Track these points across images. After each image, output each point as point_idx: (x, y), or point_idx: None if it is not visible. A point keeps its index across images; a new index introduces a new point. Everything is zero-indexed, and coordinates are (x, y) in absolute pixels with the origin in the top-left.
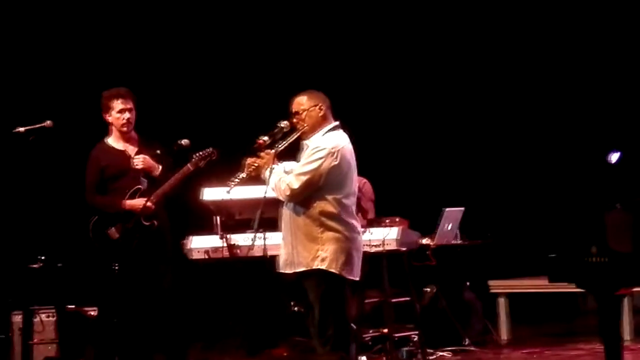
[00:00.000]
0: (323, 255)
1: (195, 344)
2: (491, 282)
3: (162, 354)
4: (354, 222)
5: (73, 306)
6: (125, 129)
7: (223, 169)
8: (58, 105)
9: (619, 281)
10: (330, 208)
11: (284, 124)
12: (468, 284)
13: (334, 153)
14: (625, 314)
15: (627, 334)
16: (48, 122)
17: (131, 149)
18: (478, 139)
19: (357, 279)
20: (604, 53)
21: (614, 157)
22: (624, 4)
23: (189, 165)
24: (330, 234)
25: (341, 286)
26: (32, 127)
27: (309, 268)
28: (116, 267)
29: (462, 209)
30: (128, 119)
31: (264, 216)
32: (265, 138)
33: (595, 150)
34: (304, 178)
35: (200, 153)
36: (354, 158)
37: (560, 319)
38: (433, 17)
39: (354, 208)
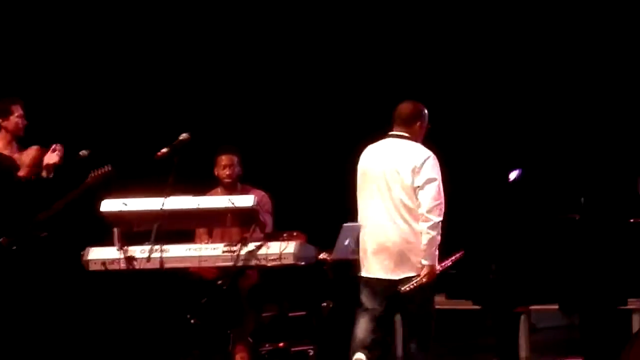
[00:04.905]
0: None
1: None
2: None
3: None
4: None
5: None
6: (22, 133)
7: (124, 181)
8: None
9: (516, 299)
10: None
11: (184, 136)
12: None
13: None
14: (522, 331)
15: (523, 351)
16: None
17: (16, 156)
18: None
19: None
20: (500, 74)
21: (513, 174)
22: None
23: (86, 181)
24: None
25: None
26: None
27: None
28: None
29: (361, 224)
30: (24, 124)
31: (162, 229)
32: (165, 150)
33: (496, 167)
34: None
35: (98, 170)
36: None
37: (459, 336)
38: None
39: None
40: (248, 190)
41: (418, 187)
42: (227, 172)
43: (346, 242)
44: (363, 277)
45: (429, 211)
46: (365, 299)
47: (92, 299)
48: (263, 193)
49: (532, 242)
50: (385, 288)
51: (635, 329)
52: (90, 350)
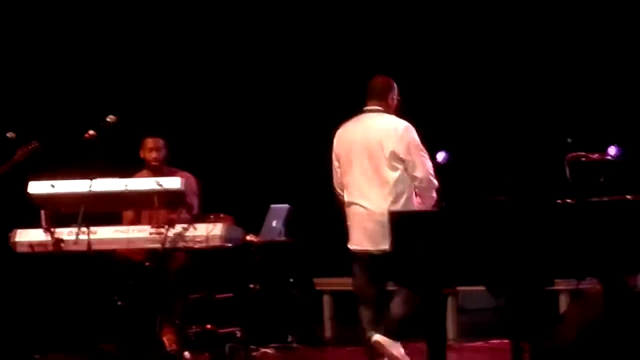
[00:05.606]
0: None
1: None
2: (316, 280)
3: None
4: None
5: None
6: None
7: (51, 163)
8: None
9: (443, 280)
10: None
11: (110, 118)
12: (292, 280)
13: None
14: (449, 312)
15: (451, 333)
16: None
17: None
18: (305, 136)
19: None
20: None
21: (440, 156)
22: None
23: (14, 158)
24: None
25: None
26: None
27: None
28: None
29: (288, 206)
30: None
31: (89, 210)
32: (92, 132)
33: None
34: None
35: (25, 146)
36: None
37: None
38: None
39: None
40: (174, 173)
41: (405, 159)
42: (154, 155)
43: (274, 224)
44: (350, 249)
45: (428, 180)
46: (355, 271)
47: (19, 280)
48: (189, 175)
49: (459, 224)
50: (367, 259)
51: (562, 309)
52: (17, 332)
